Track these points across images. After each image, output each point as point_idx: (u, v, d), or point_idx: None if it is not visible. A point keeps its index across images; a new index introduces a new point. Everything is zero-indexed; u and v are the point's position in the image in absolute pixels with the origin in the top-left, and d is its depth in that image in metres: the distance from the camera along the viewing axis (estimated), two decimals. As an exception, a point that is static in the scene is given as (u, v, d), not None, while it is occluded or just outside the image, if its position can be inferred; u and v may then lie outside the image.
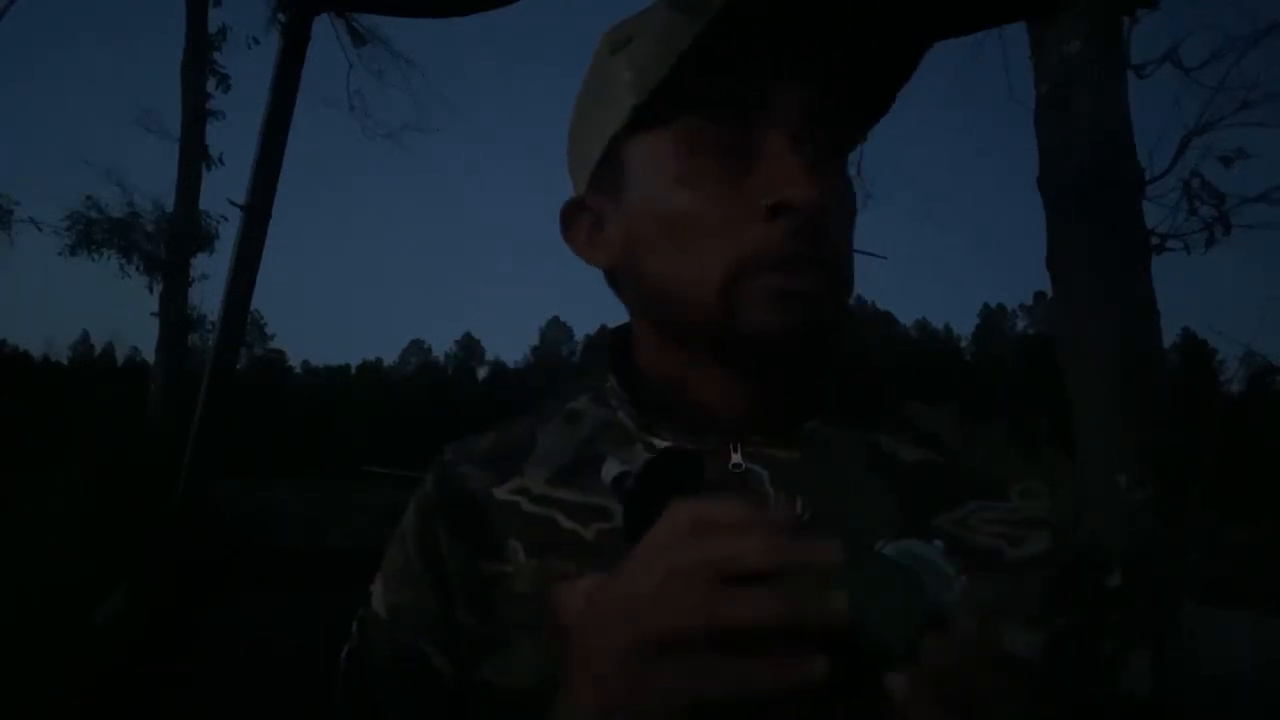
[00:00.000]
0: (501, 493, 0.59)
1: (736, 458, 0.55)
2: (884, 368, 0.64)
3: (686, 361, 0.57)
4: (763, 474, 0.55)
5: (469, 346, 69.98)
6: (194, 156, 8.67)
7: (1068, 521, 0.56)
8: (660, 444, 0.58)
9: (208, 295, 9.39)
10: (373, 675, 0.61)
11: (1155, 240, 2.76)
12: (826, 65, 0.52)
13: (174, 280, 8.66)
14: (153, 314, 8.64)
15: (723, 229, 0.51)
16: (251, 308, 1.55)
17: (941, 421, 0.60)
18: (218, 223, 8.54)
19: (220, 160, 8.78)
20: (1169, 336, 2.87)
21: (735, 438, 0.56)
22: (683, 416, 0.57)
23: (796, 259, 0.50)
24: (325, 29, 9.09)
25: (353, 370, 63.94)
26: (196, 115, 8.68)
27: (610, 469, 0.57)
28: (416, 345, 70.57)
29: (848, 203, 0.55)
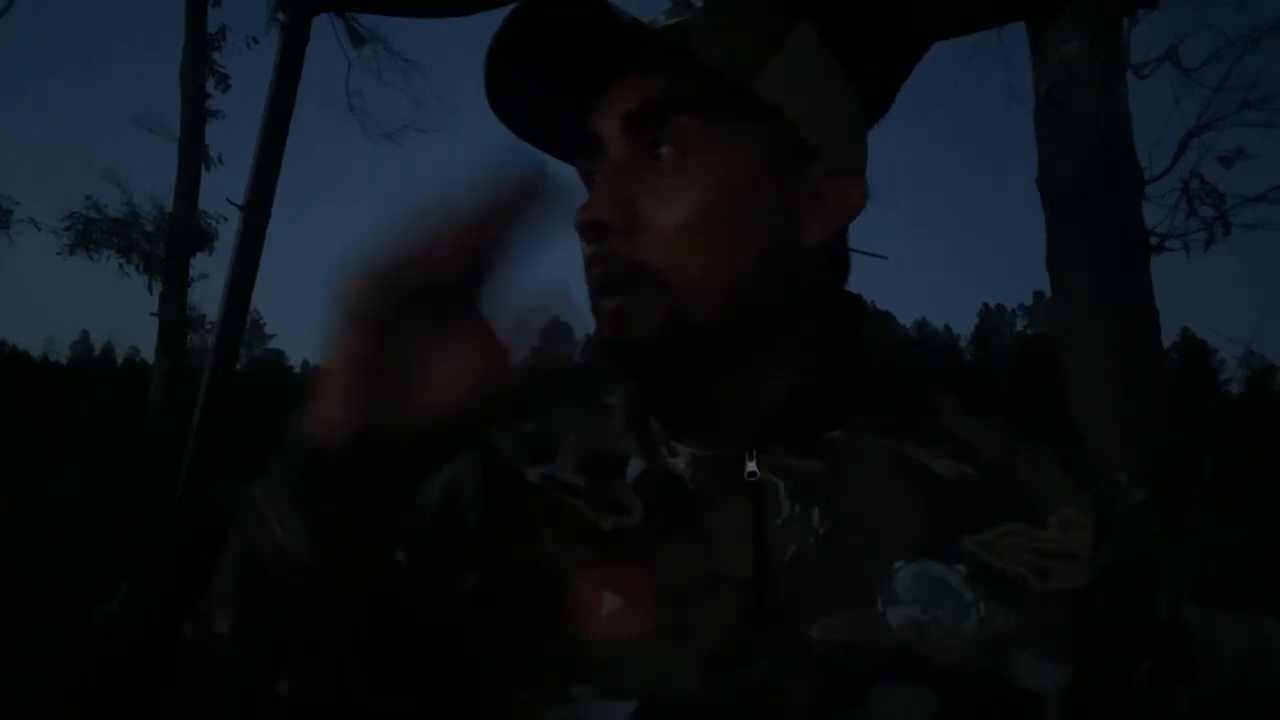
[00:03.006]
0: (533, 474, 0.60)
1: (752, 466, 0.55)
2: (925, 372, 0.63)
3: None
4: (778, 484, 0.55)
5: (469, 346, 69.88)
6: (194, 156, 8.66)
7: (1113, 553, 0.53)
8: (681, 449, 0.58)
9: (208, 295, 9.41)
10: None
11: (1155, 240, 2.76)
12: (646, 70, 0.53)
13: (173, 280, 8.65)
14: (152, 314, 8.64)
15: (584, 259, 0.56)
16: (251, 308, 1.55)
17: (984, 434, 0.57)
18: (218, 223, 8.55)
19: (220, 160, 8.78)
20: (1169, 336, 2.87)
21: (754, 445, 0.56)
22: (700, 422, 0.58)
23: (596, 280, 0.54)
24: (325, 29, 9.09)
25: (352, 370, 63.71)
26: (196, 115, 8.68)
27: (634, 469, 0.58)
28: (416, 345, 70.48)
29: (695, 203, 0.52)
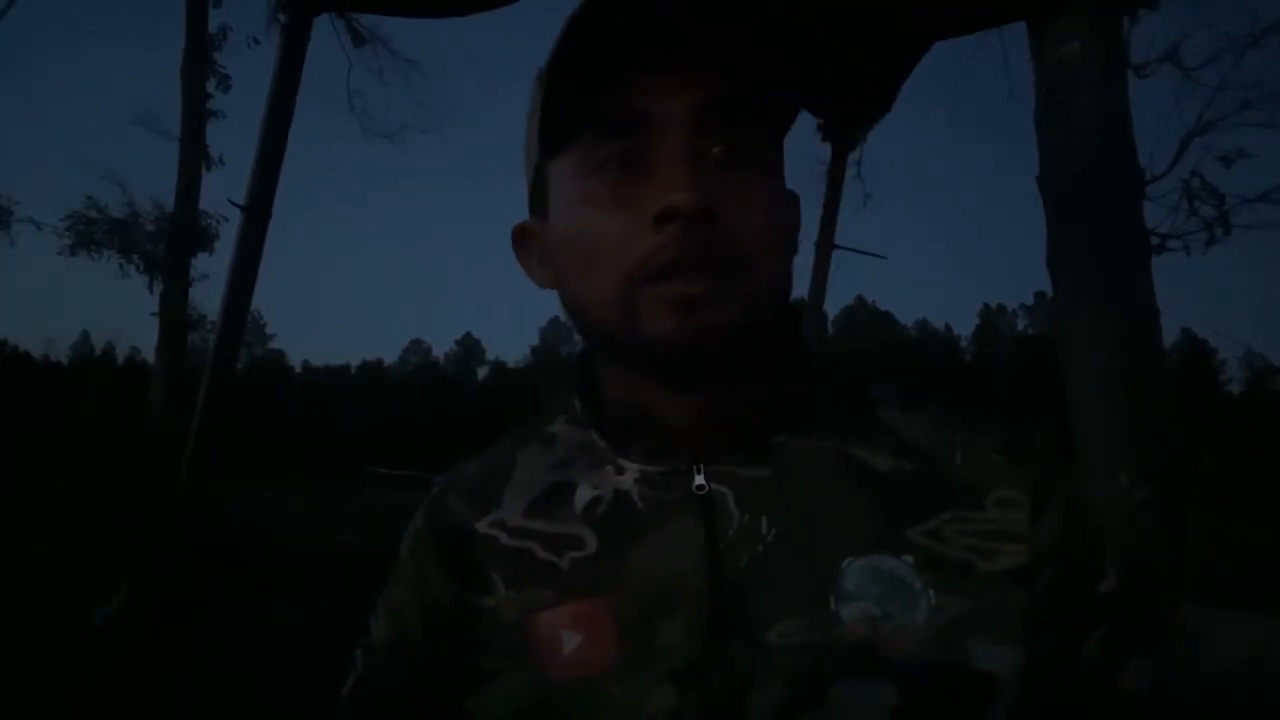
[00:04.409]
0: (482, 525, 0.60)
1: (700, 479, 0.55)
2: (863, 369, 0.63)
3: (635, 380, 0.57)
4: (727, 494, 0.55)
5: (469, 346, 69.99)
6: (194, 156, 8.66)
7: (1051, 530, 0.54)
8: (628, 466, 0.58)
9: (208, 295, 9.40)
10: (370, 706, 0.63)
11: (1155, 240, 2.76)
12: (724, 65, 0.52)
13: (174, 280, 8.65)
14: (153, 314, 8.63)
15: (618, 242, 0.52)
16: (251, 308, 1.55)
17: (921, 427, 0.58)
18: (218, 223, 8.54)
19: (220, 160, 8.77)
20: (1169, 336, 2.88)
21: (700, 458, 0.56)
22: (648, 438, 0.57)
23: (686, 264, 0.50)
24: (326, 29, 9.10)
25: (353, 370, 64.00)
26: (197, 115, 8.68)
27: (582, 496, 0.58)
28: (416, 345, 70.61)
29: (763, 200, 0.54)
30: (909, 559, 0.52)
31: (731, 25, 0.50)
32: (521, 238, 0.63)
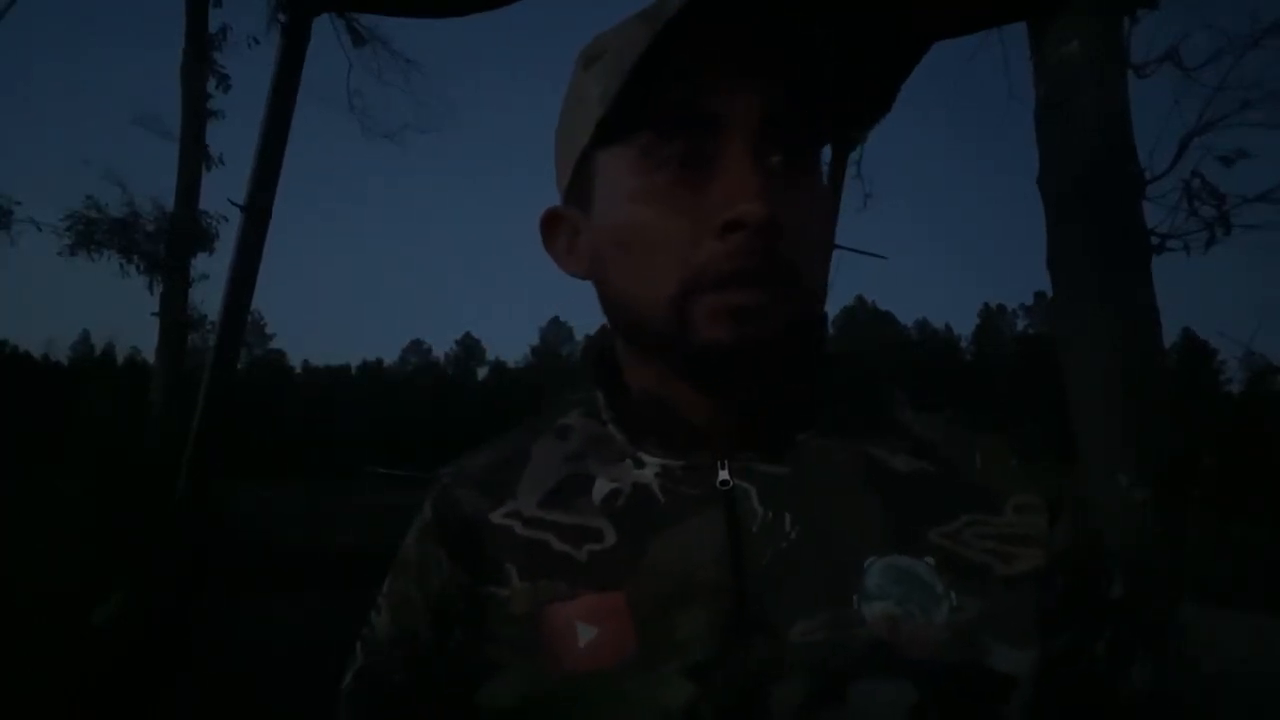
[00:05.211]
0: (496, 516, 0.59)
1: (724, 474, 0.55)
2: (881, 372, 0.63)
3: (663, 375, 0.57)
4: (750, 490, 0.55)
5: (469, 346, 70.01)
6: (194, 156, 8.66)
7: (1066, 535, 0.55)
8: (649, 460, 0.57)
9: (208, 295, 9.40)
10: (372, 701, 0.62)
11: (1155, 240, 2.76)
12: (788, 73, 0.52)
13: (174, 280, 8.65)
14: (153, 314, 8.63)
15: (677, 245, 0.52)
16: (251, 308, 1.55)
17: (939, 430, 0.59)
18: (218, 223, 8.54)
19: (220, 160, 8.77)
20: (1169, 337, 2.87)
21: (723, 453, 0.56)
22: (670, 432, 0.57)
23: (747, 275, 0.50)
24: (325, 29, 9.10)
25: (353, 370, 64.05)
26: (197, 115, 8.68)
27: (601, 489, 0.57)
28: (416, 345, 70.63)
29: (814, 210, 0.54)
30: (930, 560, 0.52)
31: (799, 34, 0.51)
32: (552, 225, 0.62)
